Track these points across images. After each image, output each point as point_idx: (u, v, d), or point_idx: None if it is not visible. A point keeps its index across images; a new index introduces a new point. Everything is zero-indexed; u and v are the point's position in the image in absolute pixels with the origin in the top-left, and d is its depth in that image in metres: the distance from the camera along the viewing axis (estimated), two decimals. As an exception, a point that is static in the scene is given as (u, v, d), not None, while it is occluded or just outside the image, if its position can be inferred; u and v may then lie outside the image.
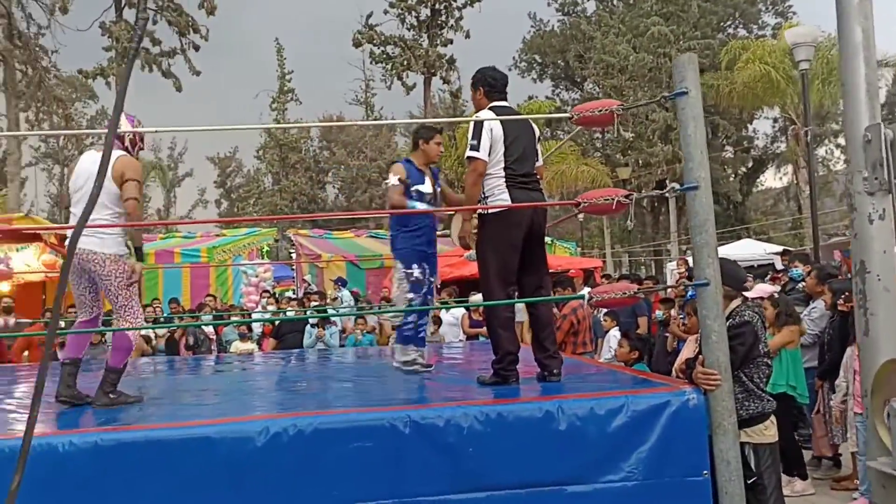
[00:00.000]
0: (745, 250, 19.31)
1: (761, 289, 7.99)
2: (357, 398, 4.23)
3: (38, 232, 11.75)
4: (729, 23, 39.22)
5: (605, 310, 8.25)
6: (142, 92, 21.46)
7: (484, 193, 4.26)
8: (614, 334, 7.98)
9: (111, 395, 4.16)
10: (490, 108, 4.35)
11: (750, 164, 41.88)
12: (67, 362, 4.21)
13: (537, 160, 4.41)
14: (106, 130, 4.38)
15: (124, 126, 4.34)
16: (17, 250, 12.12)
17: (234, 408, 4.01)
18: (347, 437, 3.24)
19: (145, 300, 13.85)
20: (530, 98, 34.30)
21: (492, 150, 4.22)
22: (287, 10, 70.08)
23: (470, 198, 4.31)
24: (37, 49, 17.81)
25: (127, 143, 4.32)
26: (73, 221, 4.25)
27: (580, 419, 3.39)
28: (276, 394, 4.73)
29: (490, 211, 4.19)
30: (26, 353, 9.33)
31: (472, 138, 4.24)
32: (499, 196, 4.21)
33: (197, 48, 19.02)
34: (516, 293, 4.46)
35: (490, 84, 4.44)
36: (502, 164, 4.22)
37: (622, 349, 6.46)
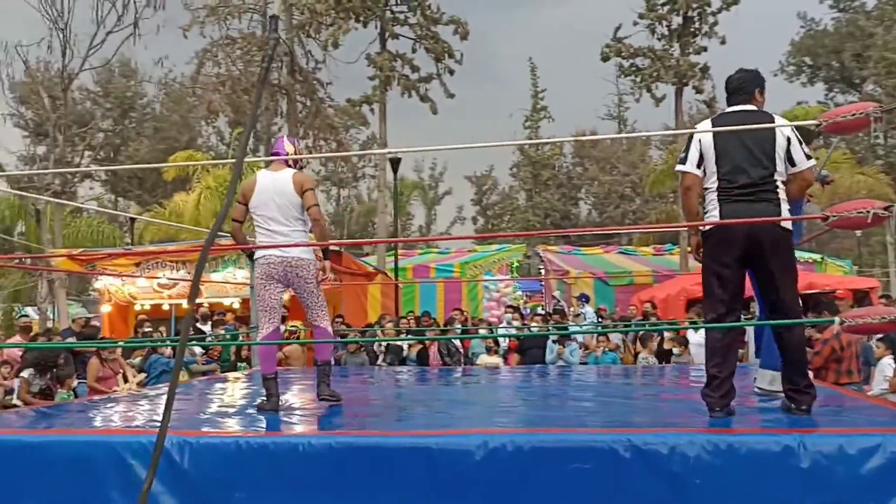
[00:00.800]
0: None
1: None
2: (581, 417, 4.15)
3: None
4: None
5: (877, 335, 7.36)
6: (401, 116, 22.93)
7: (704, 208, 4.01)
8: (888, 363, 7.08)
9: (331, 387, 4.70)
10: (713, 118, 4.10)
11: None
12: (270, 377, 4.61)
13: (782, 167, 3.94)
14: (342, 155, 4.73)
15: (287, 147, 4.90)
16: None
17: (460, 419, 4.11)
18: (565, 457, 3.18)
19: (402, 312, 14.73)
20: (799, 103, 31.75)
21: (703, 161, 3.94)
22: (538, 27, 71.17)
23: (685, 212, 4.12)
24: (314, 82, 19.78)
25: (290, 162, 4.84)
26: (263, 238, 4.67)
27: (826, 457, 3.05)
28: (504, 408, 4.76)
29: (704, 228, 3.93)
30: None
31: (683, 151, 4.05)
32: (711, 212, 3.93)
33: (452, 72, 19.96)
34: (741, 317, 4.14)
35: (725, 90, 4.18)
36: (715, 177, 3.92)
37: (895, 379, 5.73)
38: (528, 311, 15.73)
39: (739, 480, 3.08)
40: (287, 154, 4.83)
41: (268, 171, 4.83)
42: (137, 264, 13.27)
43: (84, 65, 17.52)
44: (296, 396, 5.40)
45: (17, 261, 17.55)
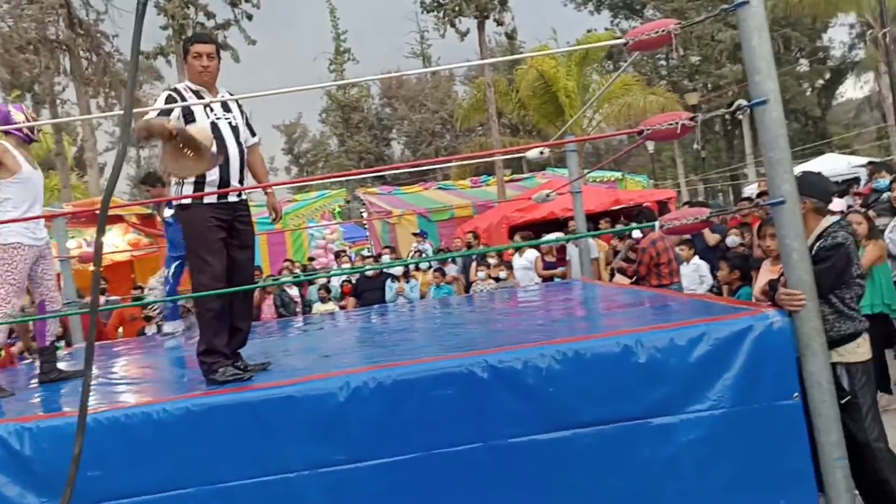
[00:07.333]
0: (828, 166, 18.51)
1: (837, 204, 7.67)
2: (434, 347, 4.25)
3: (119, 214, 12.17)
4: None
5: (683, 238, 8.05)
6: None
7: None
8: (696, 262, 7.83)
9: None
10: None
11: (827, 76, 40.00)
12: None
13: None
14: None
15: (14, 115, 4.41)
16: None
17: (317, 366, 4.08)
18: (426, 386, 3.26)
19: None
20: (589, 31, 33.39)
21: None
22: (336, -31, 69.33)
23: None
24: (98, 35, 18.23)
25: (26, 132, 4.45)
26: None
27: (660, 351, 3.33)
28: (356, 349, 4.79)
29: None
30: (120, 329, 9.74)
31: None
32: None
33: (250, 17, 19.11)
34: None
35: None
36: None
37: (723, 272, 6.52)
38: (354, 255, 15.67)
39: (589, 383, 3.30)
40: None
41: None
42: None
43: None
44: (122, 368, 5.14)
45: None
